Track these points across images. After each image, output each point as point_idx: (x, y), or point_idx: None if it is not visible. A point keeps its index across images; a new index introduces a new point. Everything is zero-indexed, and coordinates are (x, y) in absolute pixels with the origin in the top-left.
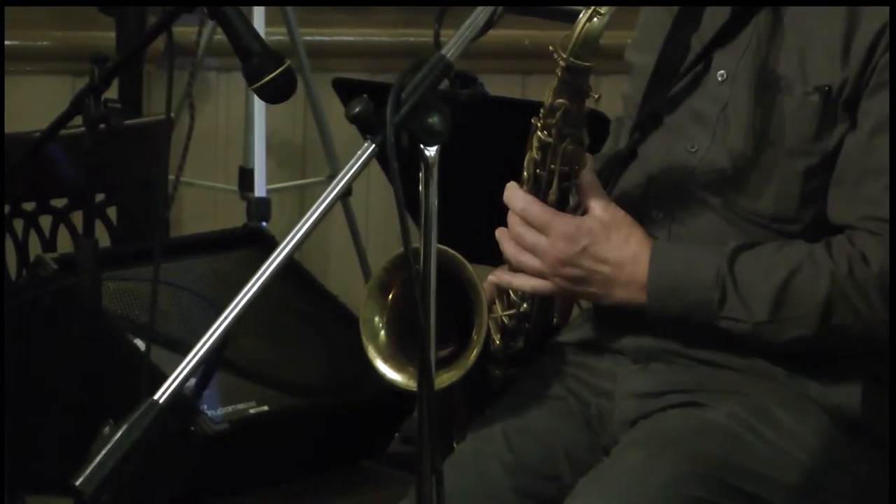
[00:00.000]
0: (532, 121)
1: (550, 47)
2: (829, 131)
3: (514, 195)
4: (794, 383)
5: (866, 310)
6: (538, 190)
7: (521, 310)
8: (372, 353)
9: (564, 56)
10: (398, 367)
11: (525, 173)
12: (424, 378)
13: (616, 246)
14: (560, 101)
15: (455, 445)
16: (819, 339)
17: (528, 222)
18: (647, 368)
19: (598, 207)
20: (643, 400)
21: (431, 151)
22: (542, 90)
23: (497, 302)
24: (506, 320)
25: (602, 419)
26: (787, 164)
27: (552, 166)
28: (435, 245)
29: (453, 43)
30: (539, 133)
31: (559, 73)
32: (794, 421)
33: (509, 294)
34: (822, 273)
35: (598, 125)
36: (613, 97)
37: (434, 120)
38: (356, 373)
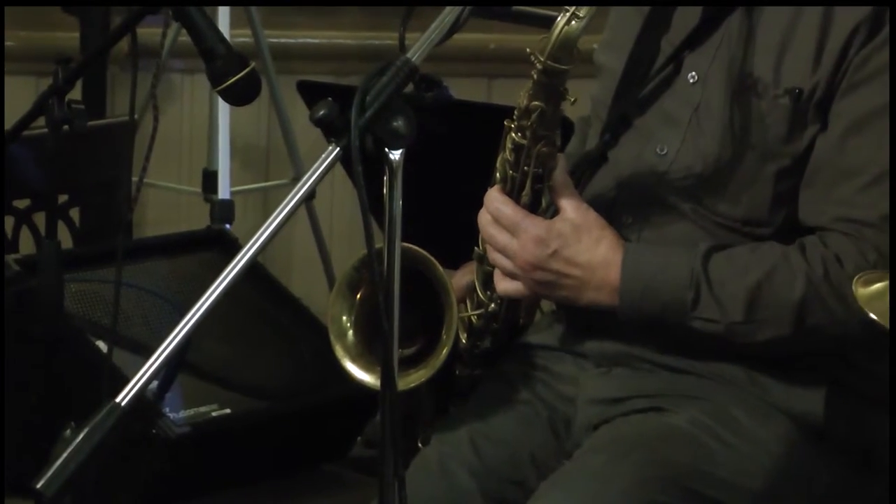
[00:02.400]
0: (505, 122)
1: (528, 49)
2: (799, 133)
3: (489, 195)
4: (757, 389)
5: (842, 311)
6: (511, 191)
7: (490, 310)
8: (339, 352)
9: (542, 59)
10: (366, 367)
11: (497, 174)
12: (387, 383)
13: (587, 249)
14: (536, 103)
15: (420, 445)
16: (793, 339)
17: (500, 223)
18: (609, 373)
19: (570, 208)
20: (606, 405)
21: (396, 155)
22: (507, 94)
23: (466, 301)
24: (474, 320)
25: (566, 424)
26: (757, 166)
27: (525, 168)
28: (398, 248)
29: (419, 46)
30: (513, 134)
31: (535, 76)
32: (757, 426)
33: (478, 293)
34: (796, 274)
35: (562, 128)
36: (584, 100)
37: (398, 123)
38: (319, 376)
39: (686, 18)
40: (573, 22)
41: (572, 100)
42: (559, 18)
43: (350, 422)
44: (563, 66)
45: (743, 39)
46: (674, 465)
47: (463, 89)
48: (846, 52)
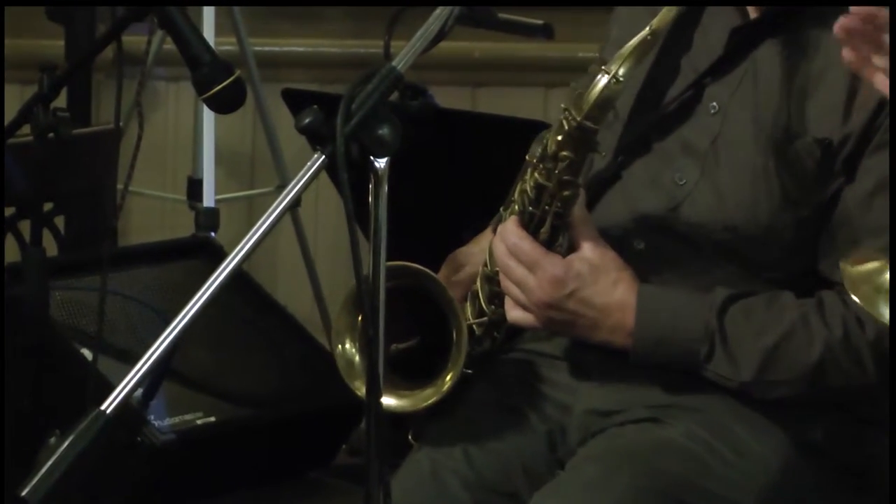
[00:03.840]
0: (528, 157)
1: (562, 106)
2: (825, 184)
3: (507, 228)
4: (755, 403)
5: (858, 373)
6: (529, 224)
7: (492, 319)
8: (343, 368)
9: (578, 119)
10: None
11: (515, 204)
12: (372, 391)
13: (603, 291)
14: (565, 153)
15: (410, 439)
16: (807, 398)
17: (517, 258)
18: (607, 384)
19: (589, 247)
20: (601, 415)
21: (381, 163)
22: (491, 102)
23: (469, 307)
24: (476, 328)
25: (561, 432)
26: (778, 212)
27: (546, 207)
28: (384, 256)
29: (404, 54)
30: (537, 175)
31: (567, 128)
32: (754, 441)
33: (481, 304)
34: (814, 338)
35: None
36: None
37: (384, 131)
38: (304, 384)
39: (707, 39)
40: (612, 84)
41: (603, 153)
42: (599, 78)
43: (335, 429)
44: (597, 126)
45: (772, 78)
46: (668, 477)
47: (447, 97)
48: (882, 106)
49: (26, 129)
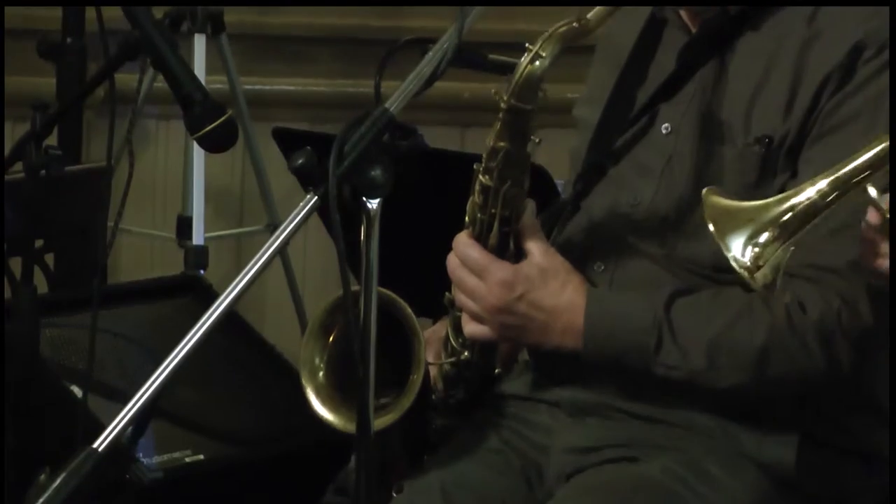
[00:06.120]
0: (474, 166)
1: (493, 90)
2: (769, 181)
3: (457, 239)
4: (729, 439)
5: (804, 358)
6: (479, 234)
7: (463, 357)
8: (309, 392)
9: (506, 98)
10: (334, 408)
11: (467, 218)
12: (363, 429)
13: (552, 293)
14: (502, 143)
15: (394, 494)
16: (757, 387)
17: (467, 266)
18: (582, 422)
19: (537, 252)
20: (579, 454)
21: (373, 204)
22: (481, 142)
23: (441, 351)
24: (447, 367)
25: (539, 472)
26: None
27: (493, 210)
28: (375, 298)
29: (397, 96)
30: (481, 177)
31: (501, 116)
32: (729, 477)
33: (450, 341)
34: (758, 322)
35: (540, 180)
36: (556, 149)
37: (376, 173)
38: (292, 422)
39: (662, 70)
40: (536, 62)
41: (537, 140)
42: (522, 58)
43: (322, 468)
44: (528, 106)
45: (715, 89)
46: None
47: (437, 138)
48: (817, 101)
49: (18, 166)
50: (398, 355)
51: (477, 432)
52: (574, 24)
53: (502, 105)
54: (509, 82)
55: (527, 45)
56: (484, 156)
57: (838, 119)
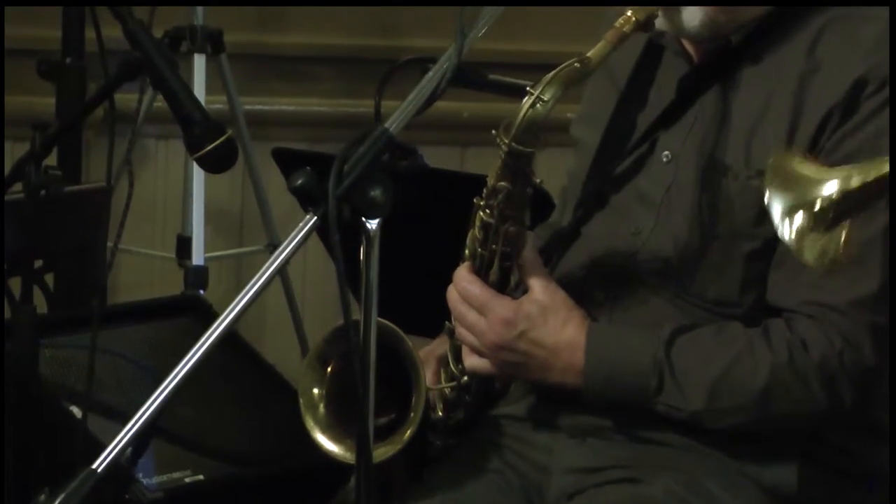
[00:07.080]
0: (475, 200)
1: (493, 132)
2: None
3: (458, 273)
4: (730, 460)
5: (806, 398)
6: (480, 268)
7: (462, 382)
8: (310, 423)
9: (507, 141)
10: (335, 439)
11: (467, 251)
12: (363, 454)
13: (553, 331)
14: (502, 183)
15: None
16: (758, 425)
17: (469, 302)
18: (583, 443)
19: (539, 288)
20: (580, 475)
21: (373, 224)
22: (480, 162)
23: (440, 372)
24: (447, 392)
25: (539, 493)
26: (728, 248)
27: (493, 246)
28: (375, 318)
29: (397, 116)
30: (481, 213)
31: (502, 157)
32: (730, 497)
33: (450, 366)
34: (760, 364)
35: (541, 203)
36: (555, 170)
37: (376, 193)
38: (291, 442)
39: (662, 96)
40: (538, 105)
41: (539, 181)
42: (524, 101)
43: (322, 488)
44: (528, 149)
45: (716, 120)
46: None
47: (436, 157)
48: (819, 137)
49: (18, 186)
50: (396, 385)
51: (477, 452)
52: (576, 64)
53: (503, 147)
54: (510, 125)
55: (528, 88)
56: (484, 192)
57: (840, 156)
